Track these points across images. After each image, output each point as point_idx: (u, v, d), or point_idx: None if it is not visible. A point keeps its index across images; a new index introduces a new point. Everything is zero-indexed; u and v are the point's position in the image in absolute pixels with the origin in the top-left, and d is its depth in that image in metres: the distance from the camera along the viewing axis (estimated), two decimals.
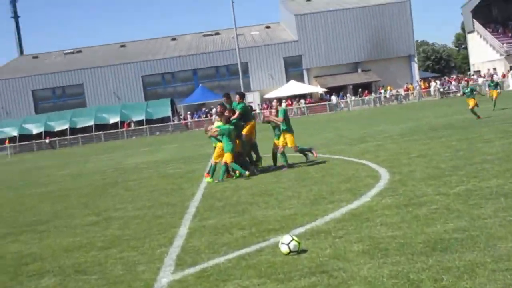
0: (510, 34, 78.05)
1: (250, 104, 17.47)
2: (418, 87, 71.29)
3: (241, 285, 6.26)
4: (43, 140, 67.69)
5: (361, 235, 7.70)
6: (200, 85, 73.46)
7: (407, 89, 71.99)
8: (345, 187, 11.82)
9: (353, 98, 70.85)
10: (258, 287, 6.13)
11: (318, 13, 75.96)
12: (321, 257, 6.91)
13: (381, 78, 73.29)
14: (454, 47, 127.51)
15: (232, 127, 15.82)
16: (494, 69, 72.04)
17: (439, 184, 10.74)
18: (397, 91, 71.21)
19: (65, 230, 11.06)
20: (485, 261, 6.00)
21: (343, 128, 33.27)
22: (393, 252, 6.73)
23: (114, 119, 69.49)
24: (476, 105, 25.60)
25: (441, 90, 69.11)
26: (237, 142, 16.10)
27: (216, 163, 16.08)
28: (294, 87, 71.53)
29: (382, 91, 71.08)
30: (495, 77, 58.20)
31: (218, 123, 16.21)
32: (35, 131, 69.12)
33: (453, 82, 72.28)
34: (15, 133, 68.67)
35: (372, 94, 70.78)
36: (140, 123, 69.02)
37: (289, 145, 16.50)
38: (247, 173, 15.50)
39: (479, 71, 77.47)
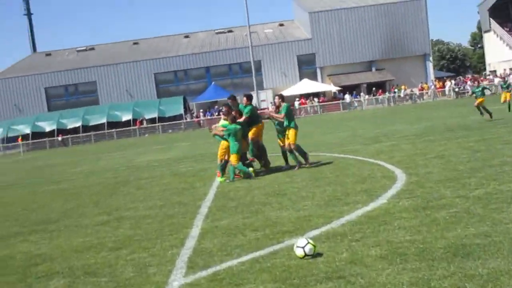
0: None
1: (255, 105, 16.88)
2: (433, 87, 70.77)
3: None
4: (55, 138, 67.81)
5: (379, 238, 7.46)
6: (213, 83, 73.33)
7: (422, 89, 71.51)
8: (360, 188, 11.58)
9: (366, 97, 70.44)
10: None
11: (332, 10, 75.60)
12: (338, 261, 6.68)
13: (395, 77, 72.83)
14: (469, 47, 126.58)
15: (238, 126, 15.57)
16: (511, 69, 71.38)
17: (457, 186, 10.47)
18: (412, 91, 70.73)
19: (75, 230, 10.90)
20: (510, 269, 5.75)
21: (357, 127, 32.98)
22: (412, 257, 6.49)
23: (126, 116, 69.48)
24: (481, 105, 25.09)
25: (456, 90, 68.57)
26: (243, 142, 15.89)
27: (222, 160, 15.90)
28: (307, 86, 71.25)
29: (395, 90, 70.61)
30: (508, 78, 57.41)
31: (223, 122, 16.00)
32: (47, 128, 69.28)
33: (469, 82, 71.68)
34: (27, 130, 68.82)
35: (386, 93, 70.32)
36: (152, 120, 68.97)
37: (289, 141, 16.15)
38: (251, 169, 15.37)
39: (495, 71, 76.91)
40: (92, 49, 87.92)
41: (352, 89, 71.97)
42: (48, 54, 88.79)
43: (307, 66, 75.66)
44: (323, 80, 74.83)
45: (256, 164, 16.75)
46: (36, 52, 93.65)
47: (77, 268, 7.89)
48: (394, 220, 8.37)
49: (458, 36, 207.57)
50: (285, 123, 16.19)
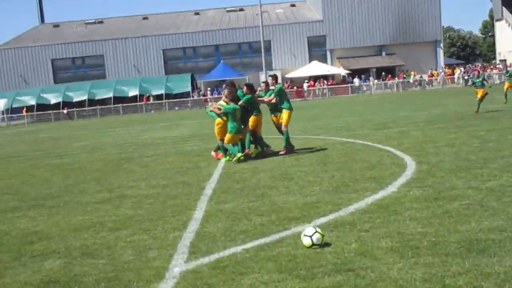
0: None
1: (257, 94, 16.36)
2: (442, 74, 70.14)
3: (260, 280, 5.74)
4: (61, 111, 67.53)
5: (389, 229, 7.15)
6: (222, 61, 72.83)
7: (431, 75, 70.89)
8: (369, 175, 11.26)
9: (376, 81, 69.88)
10: (278, 284, 5.61)
11: None
12: (346, 252, 6.39)
13: (405, 62, 72.17)
14: (480, 35, 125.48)
15: (237, 106, 15.17)
16: None
17: (469, 177, 10.16)
18: (421, 77, 70.12)
19: (75, 207, 10.62)
20: None
21: (366, 112, 32.59)
22: (425, 251, 6.18)
23: (133, 92, 69.11)
24: (483, 96, 24.21)
25: (466, 78, 67.95)
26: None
27: (221, 139, 15.59)
28: (316, 68, 70.71)
29: (404, 76, 69.98)
30: (490, 71, 56.16)
31: (223, 102, 15.66)
32: (53, 101, 68.99)
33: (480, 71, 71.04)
34: (33, 102, 68.54)
35: (396, 78, 69.73)
36: (159, 97, 68.59)
37: (282, 121, 15.84)
38: (239, 154, 14.98)
39: (505, 60, 76.13)
40: (101, 22, 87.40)
41: (361, 73, 71.38)
42: (56, 26, 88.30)
43: (317, 48, 75.06)
44: (332, 63, 74.26)
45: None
46: (44, 23, 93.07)
47: (74, 248, 7.62)
48: (404, 210, 8.06)
49: (469, 24, 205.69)
50: (280, 105, 15.85)
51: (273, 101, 15.77)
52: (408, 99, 44.37)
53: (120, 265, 6.66)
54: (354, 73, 71.04)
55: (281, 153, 15.61)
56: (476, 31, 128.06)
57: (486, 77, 26.99)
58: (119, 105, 67.53)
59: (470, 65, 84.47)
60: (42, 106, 68.26)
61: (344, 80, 72.20)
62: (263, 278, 5.79)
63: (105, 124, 46.84)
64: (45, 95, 69.53)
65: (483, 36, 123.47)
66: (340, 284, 5.46)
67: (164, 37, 75.38)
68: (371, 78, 70.80)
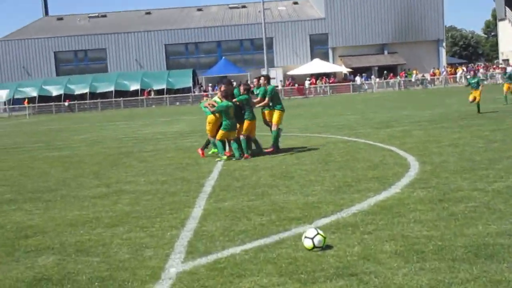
0: None
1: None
2: (444, 73, 69.87)
3: (259, 283, 5.53)
4: (62, 103, 67.27)
5: (393, 232, 6.94)
6: (223, 57, 72.55)
7: (434, 74, 70.63)
8: (372, 175, 11.05)
9: (377, 80, 69.62)
10: None
11: None
12: (349, 255, 6.17)
13: (408, 61, 71.88)
14: (482, 34, 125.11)
15: (230, 103, 14.84)
16: None
17: (475, 178, 9.95)
18: (423, 76, 69.85)
19: (72, 201, 10.41)
20: None
21: (367, 110, 32.36)
22: (431, 256, 5.97)
23: (134, 86, 68.83)
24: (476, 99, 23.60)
25: (468, 77, 67.68)
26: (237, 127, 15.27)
27: (212, 137, 15.39)
28: (318, 66, 70.42)
29: (406, 74, 69.69)
30: (508, 69, 55.76)
31: (217, 99, 15.41)
32: (55, 93, 68.67)
33: (481, 70, 70.80)
34: (34, 93, 68.25)
35: (398, 77, 69.47)
36: (160, 92, 68.33)
37: (273, 121, 15.56)
38: (224, 156, 14.73)
39: (507, 60, 75.84)
40: (104, 16, 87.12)
41: (363, 71, 71.09)
42: (59, 19, 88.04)
43: (319, 46, 74.76)
44: (334, 61, 73.97)
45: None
46: (47, 16, 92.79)
47: (69, 244, 7.41)
48: (409, 212, 7.85)
49: (471, 24, 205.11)
50: (271, 105, 15.58)
51: (266, 102, 15.50)
52: (410, 98, 44.12)
53: (115, 263, 6.45)
54: (356, 71, 70.77)
55: (267, 151, 15.21)
56: (478, 31, 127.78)
57: (482, 78, 25.77)
58: (120, 99, 67.25)
59: (472, 64, 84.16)
60: (44, 98, 67.94)
61: (345, 78, 71.94)
62: (262, 281, 5.57)
63: (106, 118, 46.62)
64: (47, 87, 69.24)
65: (486, 36, 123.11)
66: None
67: (167, 32, 75.10)
68: (372, 76, 70.52)
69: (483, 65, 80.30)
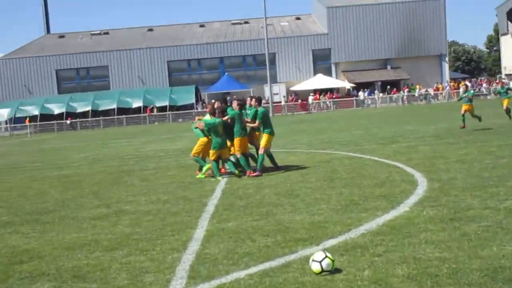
0: None
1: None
2: (448, 88, 69.64)
3: None
4: (64, 121, 67.13)
5: (404, 254, 6.63)
6: (226, 73, 72.43)
7: (437, 89, 70.40)
8: (379, 192, 10.75)
9: (381, 95, 69.40)
10: None
11: (351, 6, 74.39)
12: (359, 280, 5.87)
13: (411, 76, 71.67)
14: (485, 49, 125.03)
15: (218, 120, 14.58)
16: None
17: (485, 196, 9.64)
18: (426, 90, 69.63)
19: (70, 223, 10.12)
20: None
21: (371, 125, 32.06)
22: (445, 280, 5.66)
23: (137, 103, 68.65)
24: (471, 112, 23.26)
25: (472, 92, 67.41)
26: (229, 146, 15.01)
27: (194, 156, 15.23)
28: (321, 81, 70.24)
29: (406, 90, 69.40)
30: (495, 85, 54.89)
31: (208, 117, 15.13)
32: (56, 111, 68.50)
33: (484, 84, 70.57)
34: (36, 112, 68.05)
35: (401, 92, 69.22)
36: (163, 109, 68.17)
37: (260, 144, 14.99)
38: (220, 177, 14.46)
39: (510, 74, 75.66)
40: (106, 33, 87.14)
41: (366, 87, 70.88)
42: (61, 36, 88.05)
43: (322, 61, 74.59)
44: (337, 76, 73.79)
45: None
46: (49, 34, 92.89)
47: (65, 270, 7.11)
48: (419, 233, 7.55)
49: (473, 38, 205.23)
50: (261, 129, 15.07)
51: (256, 125, 15.04)
52: (414, 113, 43.85)
53: None
54: (359, 86, 70.57)
55: (253, 175, 14.46)
56: (480, 46, 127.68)
57: (473, 93, 24.92)
58: (123, 116, 67.07)
59: (475, 79, 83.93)
60: (46, 116, 67.82)
61: (349, 94, 71.74)
62: None
63: (108, 136, 46.39)
64: (48, 105, 69.08)
65: (488, 50, 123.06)
66: None
67: (169, 48, 75.04)
68: (376, 91, 70.30)
69: (486, 79, 79.98)
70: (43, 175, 18.82)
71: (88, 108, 68.41)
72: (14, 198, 13.96)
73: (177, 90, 70.48)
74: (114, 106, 68.29)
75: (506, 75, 78.01)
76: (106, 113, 68.52)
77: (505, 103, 26.65)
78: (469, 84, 69.46)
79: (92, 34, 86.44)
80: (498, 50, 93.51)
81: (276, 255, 7.03)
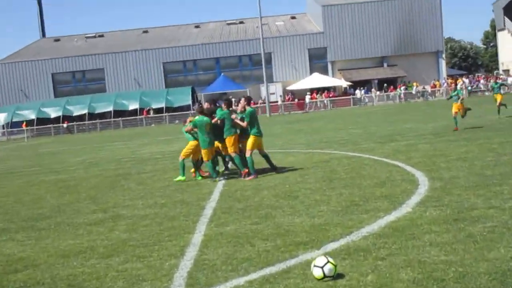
0: None
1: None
2: (445, 84, 69.48)
3: None
4: (61, 125, 66.87)
5: (409, 257, 6.44)
6: (222, 74, 72.22)
7: (434, 86, 70.25)
8: (380, 193, 10.55)
9: (377, 93, 69.22)
10: None
11: (346, 4, 74.16)
12: (363, 286, 5.68)
13: (407, 73, 71.48)
14: (481, 45, 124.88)
15: (206, 118, 14.45)
16: None
17: (489, 195, 9.44)
18: (424, 88, 69.46)
19: (66, 229, 9.93)
20: None
21: (369, 124, 31.85)
22: (452, 285, 5.48)
23: (133, 105, 68.40)
24: (461, 110, 22.77)
25: (469, 88, 67.31)
26: (219, 146, 14.92)
27: (183, 159, 15.12)
28: (317, 80, 70.03)
29: (402, 88, 69.18)
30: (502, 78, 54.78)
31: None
32: (53, 115, 68.22)
33: (481, 81, 70.44)
34: (33, 116, 67.78)
35: (398, 89, 69.04)
36: (159, 110, 67.94)
37: (247, 147, 14.56)
38: (217, 179, 14.32)
39: (508, 70, 75.54)
40: (102, 36, 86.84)
41: (363, 85, 70.69)
42: (56, 40, 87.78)
43: (318, 60, 74.37)
44: (334, 75, 73.57)
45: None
46: (44, 37, 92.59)
47: (60, 279, 6.91)
48: (423, 234, 7.35)
49: (469, 35, 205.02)
50: (249, 130, 14.61)
51: (244, 125, 14.60)
52: (412, 111, 43.66)
53: None
54: (356, 84, 70.39)
55: (248, 179, 14.12)
56: (477, 42, 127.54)
57: (460, 91, 24.38)
58: (119, 118, 66.84)
59: (472, 75, 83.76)
60: (42, 120, 67.54)
61: (345, 92, 71.54)
62: None
63: (105, 138, 46.15)
64: (45, 109, 68.79)
65: (485, 46, 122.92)
66: None
67: (164, 50, 74.77)
68: (373, 89, 70.12)
69: (483, 76, 79.86)
70: (39, 179, 18.62)
71: (85, 111, 68.14)
72: (10, 204, 13.76)
73: (173, 91, 70.24)
74: (111, 108, 68.04)
75: (504, 70, 77.85)
76: (103, 116, 68.26)
77: (499, 98, 26.60)
78: (466, 80, 69.53)
79: (87, 37, 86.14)
80: (495, 46, 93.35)
81: (276, 260, 6.84)
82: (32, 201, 13.91)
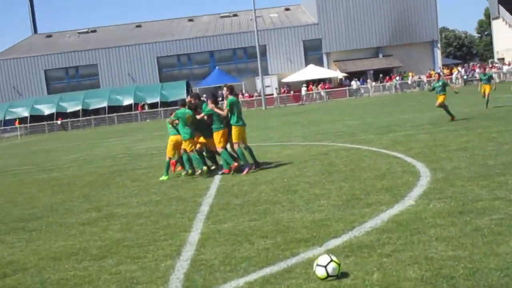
0: None
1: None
2: (441, 74, 69.18)
3: None
4: (54, 122, 66.44)
5: (415, 253, 6.14)
6: (217, 67, 71.84)
7: (430, 76, 69.97)
8: (381, 185, 10.26)
9: (373, 83, 68.93)
10: None
11: None
12: (369, 285, 5.39)
13: (403, 63, 71.21)
14: (476, 34, 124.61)
15: (188, 111, 14.27)
16: None
17: (493, 185, 9.16)
18: (419, 77, 69.20)
19: (58, 230, 9.61)
20: None
21: (366, 115, 31.57)
22: (463, 282, 5.18)
23: (128, 101, 68.02)
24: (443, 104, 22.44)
25: (465, 77, 67.07)
26: (204, 140, 14.64)
27: (170, 158, 14.76)
28: (313, 71, 69.69)
29: (396, 78, 68.88)
30: (488, 70, 54.57)
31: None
32: (47, 112, 67.77)
33: (477, 70, 70.17)
34: (26, 113, 67.33)
35: (394, 80, 68.73)
36: (154, 105, 67.57)
37: (233, 139, 14.19)
38: (204, 168, 14.03)
39: (503, 59, 75.31)
40: (94, 31, 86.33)
41: (358, 76, 70.40)
42: (49, 36, 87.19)
43: (313, 52, 74.01)
44: (329, 66, 73.25)
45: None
46: (36, 34, 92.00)
47: (51, 283, 6.61)
48: (428, 228, 7.06)
49: (464, 24, 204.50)
50: (231, 120, 14.13)
51: (224, 113, 14.13)
52: (408, 101, 43.39)
53: None
54: (351, 75, 70.06)
55: (244, 173, 13.79)
56: (471, 31, 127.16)
57: (446, 82, 23.94)
58: (114, 114, 66.44)
59: (467, 64, 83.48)
60: (36, 118, 67.10)
61: (341, 83, 71.23)
62: None
63: (99, 135, 45.80)
64: (38, 106, 68.35)
65: (479, 35, 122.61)
66: None
67: (158, 44, 74.33)
68: (368, 80, 69.84)
69: (479, 64, 79.59)
70: (32, 178, 18.29)
71: (79, 108, 67.73)
72: (2, 204, 13.45)
73: (168, 86, 69.85)
74: (105, 104, 67.65)
75: (499, 59, 77.61)
76: (97, 112, 67.87)
77: (487, 90, 26.23)
78: (462, 70, 69.23)
79: (79, 33, 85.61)
80: (490, 35, 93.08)
81: (276, 258, 6.55)
82: (23, 200, 13.59)
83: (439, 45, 76.12)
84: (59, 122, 66.34)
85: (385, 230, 7.22)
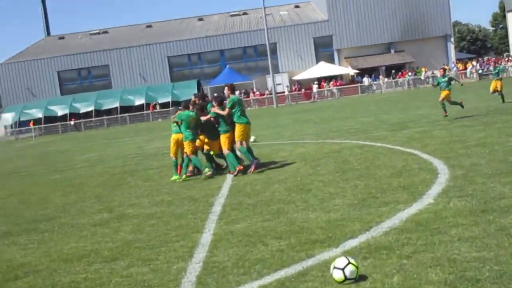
0: None
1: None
2: (455, 69, 68.60)
3: None
4: (68, 122, 66.57)
5: (436, 255, 5.90)
6: (227, 66, 71.64)
7: (444, 70, 69.35)
8: (397, 183, 10.00)
9: (385, 80, 68.47)
10: None
11: None
12: None
13: (415, 59, 70.64)
14: (489, 28, 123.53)
15: (192, 113, 14.03)
16: None
17: None
18: (433, 73, 68.64)
19: (70, 231, 9.46)
20: None
21: (379, 111, 31.24)
22: (489, 286, 4.95)
23: (139, 101, 68.03)
24: (446, 97, 21.95)
25: (480, 71, 66.45)
26: (205, 141, 14.49)
27: (176, 158, 14.53)
28: (324, 69, 69.32)
29: (408, 73, 68.36)
30: (500, 64, 53.81)
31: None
32: (60, 113, 67.94)
33: (492, 63, 69.53)
34: (40, 114, 67.54)
35: (407, 75, 68.20)
36: (166, 105, 67.48)
37: (236, 137, 13.95)
38: (206, 169, 13.79)
39: None
40: (106, 32, 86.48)
41: (370, 72, 69.95)
42: (61, 38, 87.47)
43: (323, 49, 73.64)
44: (340, 63, 72.84)
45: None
46: (49, 36, 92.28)
47: (62, 286, 6.46)
48: (449, 228, 6.81)
49: (476, 18, 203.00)
50: (234, 119, 13.92)
51: (224, 113, 13.88)
52: (422, 97, 42.96)
53: None
54: (363, 72, 69.62)
55: (251, 170, 13.66)
56: (484, 25, 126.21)
57: (452, 77, 23.42)
58: (126, 114, 66.44)
59: (482, 58, 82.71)
60: (50, 119, 67.32)
61: (353, 80, 70.81)
62: None
63: (112, 135, 45.75)
64: (52, 107, 68.55)
65: (494, 28, 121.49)
66: None
67: (169, 44, 74.27)
68: (380, 76, 69.39)
69: (493, 58, 78.81)
70: (45, 179, 18.20)
71: (91, 108, 67.83)
72: (15, 205, 13.39)
73: (179, 85, 69.76)
74: (117, 104, 67.68)
75: None
76: (109, 112, 67.90)
77: (498, 85, 25.76)
78: (475, 64, 68.58)
79: (91, 34, 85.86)
80: (504, 28, 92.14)
81: (291, 260, 6.32)
82: (36, 201, 13.48)
83: (452, 39, 75.45)
84: (72, 122, 66.46)
85: (404, 230, 6.97)
